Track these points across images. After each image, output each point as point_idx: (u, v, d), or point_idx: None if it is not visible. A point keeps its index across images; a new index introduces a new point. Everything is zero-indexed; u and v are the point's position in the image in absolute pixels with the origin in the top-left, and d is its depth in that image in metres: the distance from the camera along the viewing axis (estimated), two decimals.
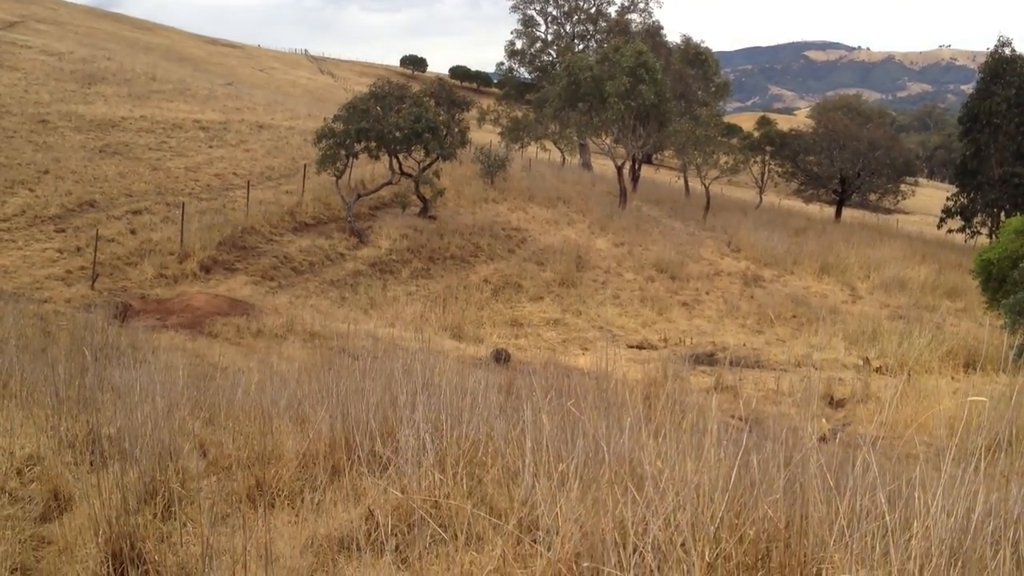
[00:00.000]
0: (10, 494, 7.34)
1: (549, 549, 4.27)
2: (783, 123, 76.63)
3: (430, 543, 4.91)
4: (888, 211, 63.30)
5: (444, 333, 26.26)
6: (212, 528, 6.12)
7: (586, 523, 4.36)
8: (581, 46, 64.47)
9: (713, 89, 57.04)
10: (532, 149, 54.73)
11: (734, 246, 40.66)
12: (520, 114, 58.33)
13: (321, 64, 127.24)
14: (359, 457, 6.58)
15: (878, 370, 27.06)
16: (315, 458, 6.92)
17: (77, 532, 5.86)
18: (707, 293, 33.82)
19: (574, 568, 4.17)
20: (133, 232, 26.78)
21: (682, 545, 3.89)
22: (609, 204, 43.16)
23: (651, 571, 3.88)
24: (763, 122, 60.09)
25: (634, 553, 3.91)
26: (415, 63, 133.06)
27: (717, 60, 56.73)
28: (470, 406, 6.92)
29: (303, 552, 5.29)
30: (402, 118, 30.55)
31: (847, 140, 52.89)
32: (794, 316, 32.62)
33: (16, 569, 5.82)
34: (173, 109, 41.01)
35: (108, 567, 5.22)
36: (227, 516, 6.36)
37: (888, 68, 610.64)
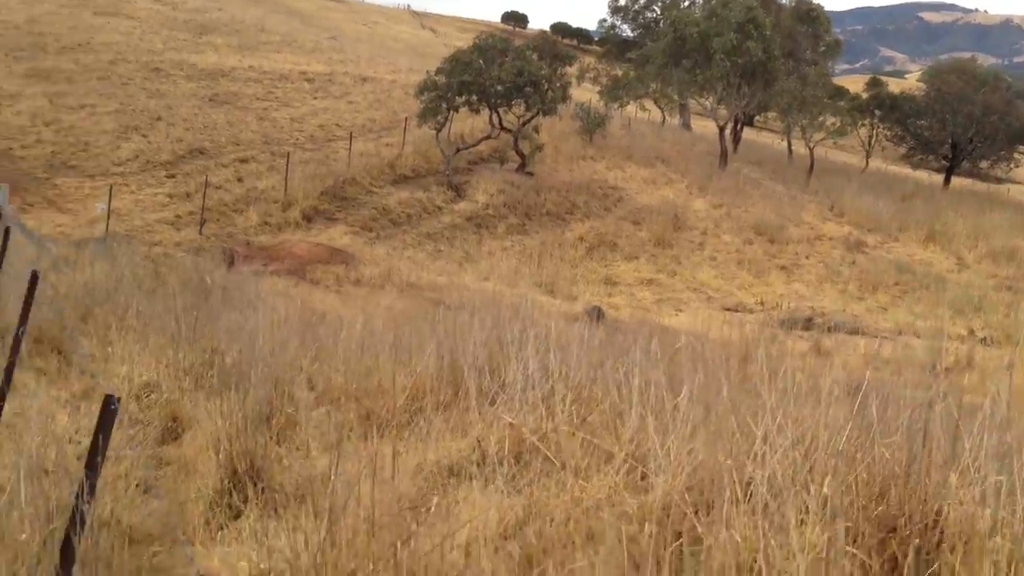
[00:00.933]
0: (130, 417, 7.69)
1: (662, 479, 4.31)
2: (893, 86, 73.91)
3: (540, 472, 5.00)
4: (998, 180, 60.84)
5: (538, 289, 26.35)
6: (325, 452, 6.33)
7: (698, 458, 4.38)
8: (687, 2, 63.24)
9: (823, 48, 55.41)
10: (631, 108, 54.08)
11: (837, 210, 39.70)
12: (620, 72, 57.54)
13: (423, 19, 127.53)
14: (466, 391, 6.72)
15: (983, 341, 26.29)
16: (422, 392, 7.08)
17: (199, 451, 6.12)
18: (807, 257, 33.18)
19: (686, 499, 4.21)
20: (240, 180, 27.47)
21: (799, 480, 3.88)
22: (709, 165, 42.51)
23: (767, 504, 3.89)
24: (873, 83, 58.17)
25: (749, 486, 3.92)
26: (516, 19, 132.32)
27: (829, 18, 55.01)
28: (577, 347, 6.96)
29: (414, 477, 5.43)
30: (504, 71, 30.50)
31: (961, 104, 50.91)
32: (897, 283, 31.81)
33: (138, 485, 6.11)
34: (280, 60, 41.72)
35: (229, 483, 5.45)
36: (339, 442, 6.57)
37: (1006, 31, 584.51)
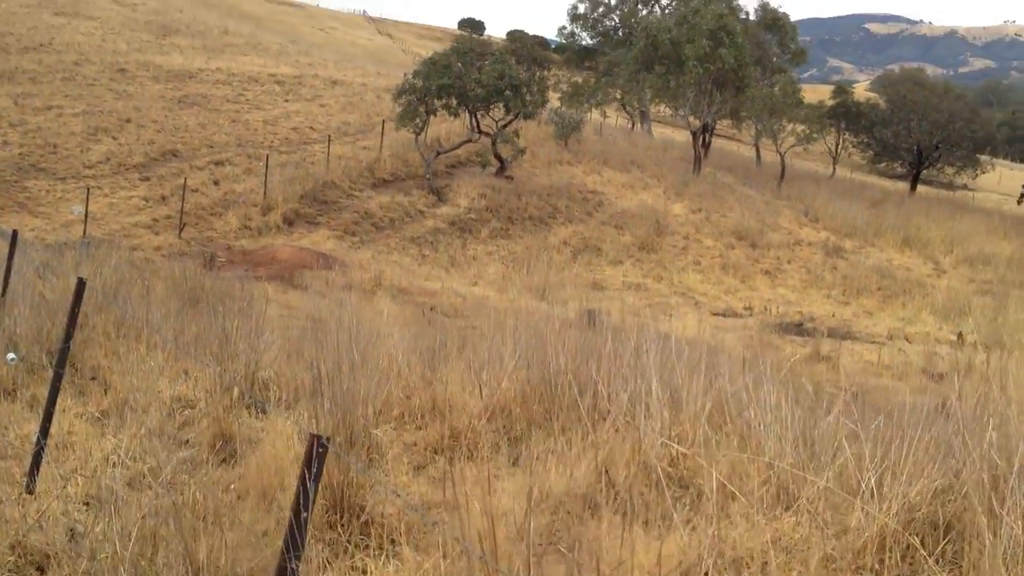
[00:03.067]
0: (172, 438, 6.94)
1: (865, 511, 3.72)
2: (819, 96, 74.00)
3: (678, 503, 4.40)
4: (952, 187, 61.14)
5: (528, 294, 25.78)
6: (414, 478, 5.68)
7: (920, 485, 3.81)
8: (644, 11, 63.30)
9: (788, 56, 55.58)
10: (593, 115, 53.81)
11: (812, 216, 39.67)
12: (580, 79, 57.42)
13: (380, 25, 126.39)
14: (560, 410, 6.08)
15: (972, 346, 26.20)
16: (504, 410, 6.42)
17: (271, 475, 5.42)
18: (789, 262, 32.99)
19: (912, 538, 3.63)
20: (216, 183, 26.56)
21: None
22: (683, 170, 42.30)
23: None
24: (839, 91, 58.38)
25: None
26: (473, 26, 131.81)
27: (795, 26, 55.21)
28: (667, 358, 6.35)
29: (539, 509, 4.79)
30: (485, 75, 29.90)
31: (927, 111, 51.28)
32: (879, 288, 31.76)
33: (205, 516, 5.41)
34: (247, 63, 40.74)
35: (331, 516, 4.79)
36: (423, 467, 5.91)
37: (950, 43, 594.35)
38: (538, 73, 33.40)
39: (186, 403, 7.92)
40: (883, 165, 58.25)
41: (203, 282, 17.09)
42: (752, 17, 54.16)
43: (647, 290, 28.69)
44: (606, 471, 4.91)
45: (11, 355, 6.31)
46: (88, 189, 22.43)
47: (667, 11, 61.54)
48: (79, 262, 16.42)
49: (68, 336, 5.69)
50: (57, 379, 5.67)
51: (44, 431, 5.61)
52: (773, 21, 53.98)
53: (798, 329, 25.65)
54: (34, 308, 8.92)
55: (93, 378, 8.69)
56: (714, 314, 27.55)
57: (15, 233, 8.81)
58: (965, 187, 61.60)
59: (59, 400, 7.79)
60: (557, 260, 29.09)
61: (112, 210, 23.31)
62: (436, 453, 5.98)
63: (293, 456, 5.89)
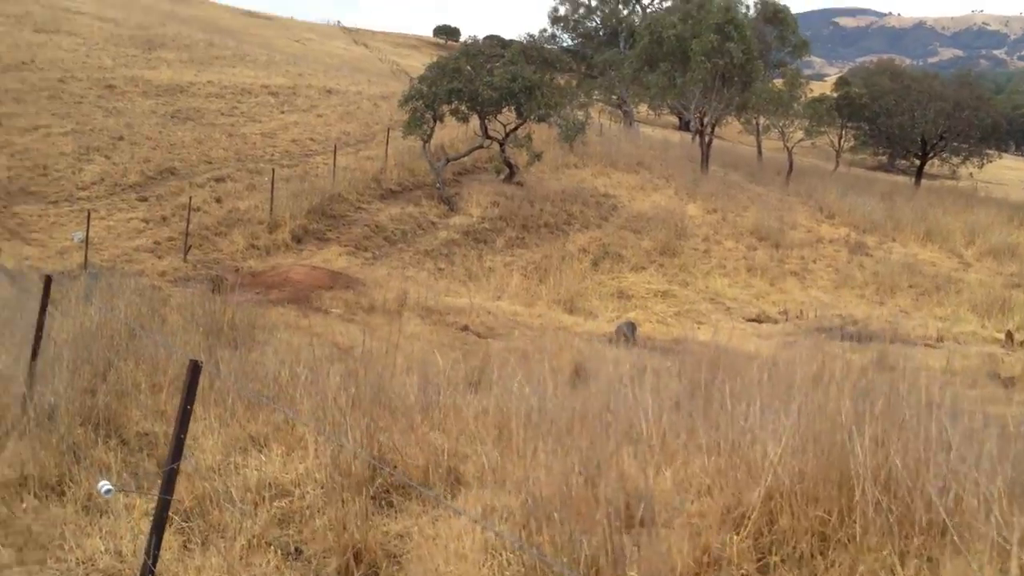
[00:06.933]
0: (283, 551, 5.24)
1: None
2: (815, 89, 72.53)
3: None
4: (955, 178, 59.89)
5: (556, 307, 24.30)
6: None
7: None
8: (625, 11, 62.35)
9: (790, 49, 54.44)
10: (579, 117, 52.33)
11: (827, 212, 38.37)
12: (563, 81, 56.03)
13: (355, 35, 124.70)
14: (856, 514, 4.45)
15: (1022, 344, 24.95)
16: (765, 513, 4.75)
17: None
18: (814, 261, 31.62)
19: None
20: (218, 201, 24.91)
21: None
22: (690, 169, 40.99)
23: None
24: (842, 83, 57.12)
25: None
26: (448, 33, 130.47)
27: (796, 19, 53.97)
28: None
29: None
30: (497, 77, 28.37)
31: (931, 100, 50.08)
32: (911, 286, 30.47)
33: None
34: (238, 75, 39.03)
35: None
36: None
37: (919, 33, 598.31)
38: (549, 75, 31.79)
39: (278, 490, 6.19)
40: (886, 158, 57.08)
41: (224, 311, 15.24)
42: (751, 12, 52.95)
43: (674, 297, 27.25)
44: None
45: (105, 484, 4.74)
46: (89, 212, 20.70)
47: (648, 10, 60.57)
48: (88, 295, 14.76)
49: (178, 450, 4.10)
50: (163, 508, 4.09)
51: None
52: (774, 14, 52.84)
53: (844, 334, 24.26)
54: (71, 370, 7.31)
55: (148, 453, 7.02)
56: (748, 320, 26.17)
57: (49, 280, 7.10)
58: (954, 178, 60.35)
59: (127, 496, 6.17)
60: (578, 268, 27.65)
61: (111, 234, 21.62)
62: None
63: None
